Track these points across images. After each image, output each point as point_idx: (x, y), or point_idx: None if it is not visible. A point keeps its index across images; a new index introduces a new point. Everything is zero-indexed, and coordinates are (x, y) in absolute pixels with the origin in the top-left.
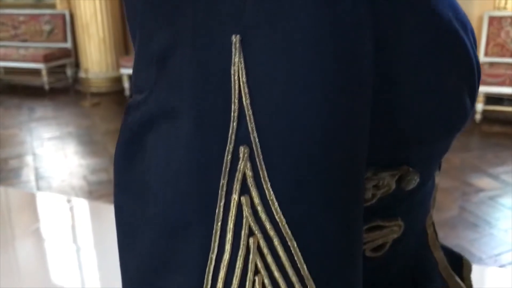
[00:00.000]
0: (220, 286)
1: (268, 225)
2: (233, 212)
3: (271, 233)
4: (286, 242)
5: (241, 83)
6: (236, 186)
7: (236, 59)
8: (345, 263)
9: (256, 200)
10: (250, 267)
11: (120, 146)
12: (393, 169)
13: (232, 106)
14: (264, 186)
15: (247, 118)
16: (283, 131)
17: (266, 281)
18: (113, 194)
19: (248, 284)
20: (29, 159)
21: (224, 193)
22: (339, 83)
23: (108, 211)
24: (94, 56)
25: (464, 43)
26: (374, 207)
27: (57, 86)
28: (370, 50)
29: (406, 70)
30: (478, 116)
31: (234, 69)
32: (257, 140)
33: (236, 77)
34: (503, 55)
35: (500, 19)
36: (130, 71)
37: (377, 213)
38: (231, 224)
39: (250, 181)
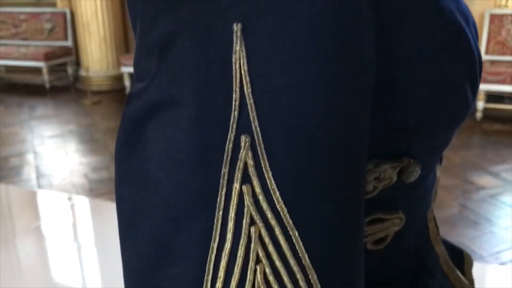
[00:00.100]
0: (222, 275)
1: (269, 214)
2: (235, 201)
3: (273, 222)
4: (288, 231)
5: (242, 72)
6: (238, 175)
7: (238, 48)
8: (347, 252)
9: (258, 189)
10: (252, 256)
11: (121, 135)
12: (395, 161)
13: (233, 95)
14: (266, 175)
15: (249, 107)
16: (284, 120)
17: (268, 270)
18: (114, 186)
19: (250, 273)
20: (30, 157)
21: (225, 182)
22: (341, 72)
23: (109, 209)
24: (94, 54)
25: (466, 35)
26: (375, 199)
27: (58, 85)
28: (371, 39)
29: (407, 61)
30: (479, 114)
31: (235, 57)
32: (258, 129)
33: (237, 66)
34: (504, 53)
35: (501, 17)
36: (130, 69)
37: (378, 205)
38: (233, 213)
39: (252, 170)
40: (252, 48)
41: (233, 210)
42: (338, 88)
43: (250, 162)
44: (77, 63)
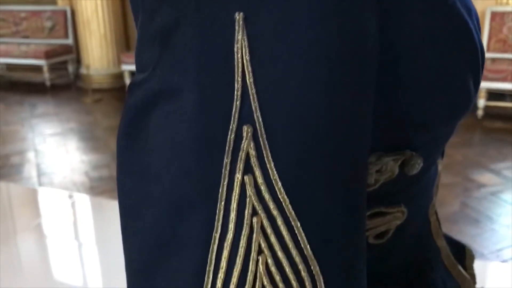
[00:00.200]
0: (224, 266)
1: (271, 205)
2: (237, 192)
3: (275, 212)
4: (290, 222)
5: (244, 61)
6: (240, 165)
7: (240, 37)
8: (349, 244)
9: (260, 179)
10: (254, 246)
11: (123, 125)
12: (397, 154)
13: (236, 85)
14: (268, 166)
15: (251, 97)
16: (287, 110)
17: (270, 260)
18: (116, 176)
19: (252, 263)
20: (31, 155)
21: (227, 172)
22: (344, 62)
23: (110, 207)
24: (95, 53)
25: (468, 26)
26: (377, 193)
27: (59, 83)
28: (374, 29)
29: (409, 53)
30: (480, 112)
31: (237, 46)
32: (260, 119)
33: (239, 55)
34: (505, 51)
35: (502, 14)
36: (131, 67)
37: (380, 199)
38: (235, 204)
39: (254, 161)
40: (254, 37)
41: (235, 201)
42: (341, 78)
43: (252, 152)
44: (78, 61)
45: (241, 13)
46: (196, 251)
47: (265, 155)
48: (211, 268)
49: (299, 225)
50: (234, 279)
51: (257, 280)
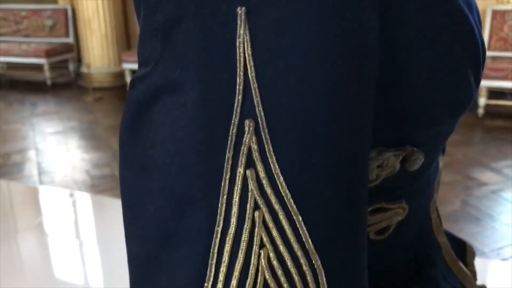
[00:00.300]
0: (226, 259)
1: (273, 199)
2: (239, 186)
3: (276, 207)
4: (291, 216)
5: (246, 56)
6: (242, 160)
7: (241, 31)
8: (350, 238)
9: (262, 173)
10: (256, 240)
11: (125, 120)
12: (398, 149)
13: (237, 79)
14: (270, 160)
15: (253, 92)
16: (288, 104)
17: (271, 254)
18: (118, 171)
19: (254, 257)
20: (31, 153)
21: (229, 166)
22: (345, 56)
23: (111, 205)
24: (96, 51)
25: (469, 22)
26: (378, 189)
27: (59, 81)
28: (375, 24)
29: (410, 48)
30: (480, 111)
31: (239, 41)
32: (262, 113)
33: (241, 50)
34: (506, 49)
35: (503, 12)
36: (132, 66)
37: (381, 195)
38: (237, 198)
39: (256, 155)
40: (256, 32)
41: (237, 195)
42: (343, 73)
43: (254, 146)
44: (79, 60)
45: (243, 7)
46: (198, 245)
47: (267, 149)
48: (213, 261)
49: (300, 219)
50: (236, 273)
51: (259, 274)
